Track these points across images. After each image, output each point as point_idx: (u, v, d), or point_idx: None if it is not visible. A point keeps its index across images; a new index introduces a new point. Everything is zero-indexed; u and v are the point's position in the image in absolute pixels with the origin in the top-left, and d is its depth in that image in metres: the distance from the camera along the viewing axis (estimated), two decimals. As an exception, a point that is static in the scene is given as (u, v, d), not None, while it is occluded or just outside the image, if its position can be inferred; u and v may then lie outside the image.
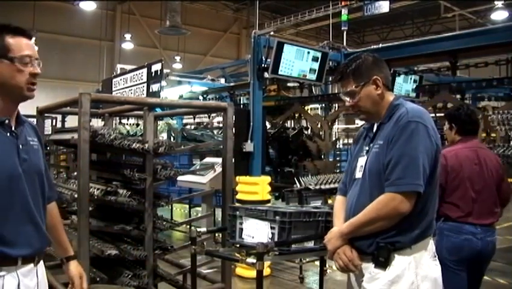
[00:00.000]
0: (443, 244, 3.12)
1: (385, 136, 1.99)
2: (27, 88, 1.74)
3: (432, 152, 1.95)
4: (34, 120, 4.49)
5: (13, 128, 1.76)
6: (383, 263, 1.93)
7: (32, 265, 1.78)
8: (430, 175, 1.95)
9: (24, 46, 1.74)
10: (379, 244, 1.94)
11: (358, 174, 2.08)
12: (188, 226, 6.46)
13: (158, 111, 5.46)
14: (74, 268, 2.02)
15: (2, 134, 1.72)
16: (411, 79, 7.48)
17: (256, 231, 2.68)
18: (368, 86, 2.07)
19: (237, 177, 5.53)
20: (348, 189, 2.17)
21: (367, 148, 2.09)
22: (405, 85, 7.41)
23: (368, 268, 1.98)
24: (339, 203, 2.23)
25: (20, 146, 1.76)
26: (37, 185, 1.81)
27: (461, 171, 3.18)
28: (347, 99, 2.13)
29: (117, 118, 9.09)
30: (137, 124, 10.63)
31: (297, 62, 5.97)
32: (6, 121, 1.74)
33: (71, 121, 7.78)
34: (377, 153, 2.00)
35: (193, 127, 11.55)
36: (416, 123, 1.94)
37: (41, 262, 1.87)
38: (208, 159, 7.36)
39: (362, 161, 2.08)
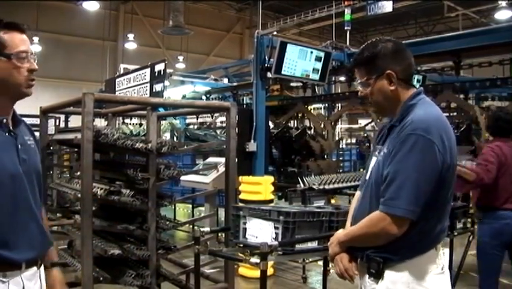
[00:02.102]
0: (484, 231, 3.60)
1: (390, 145, 1.81)
2: (26, 85, 1.70)
3: (435, 171, 1.71)
4: (35, 120, 4.53)
5: (11, 128, 1.71)
6: (375, 274, 1.84)
7: (35, 268, 1.74)
8: (434, 195, 1.74)
9: (19, 41, 1.68)
10: (369, 257, 1.85)
11: (367, 175, 1.96)
12: (191, 226, 6.47)
13: (161, 110, 5.45)
14: (58, 274, 1.96)
15: (1, 134, 1.67)
16: (414, 78, 7.45)
17: (259, 231, 2.68)
18: (381, 80, 1.85)
19: (240, 177, 5.52)
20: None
21: (378, 149, 1.94)
22: (408, 85, 7.38)
23: (366, 278, 1.91)
24: (355, 200, 2.10)
25: (19, 146, 1.71)
26: (35, 185, 1.76)
27: (506, 161, 3.61)
28: (361, 88, 1.94)
29: (120, 118, 9.10)
30: (140, 124, 10.64)
31: (300, 62, 5.96)
32: (4, 120, 1.69)
33: (75, 121, 7.80)
34: (379, 162, 1.85)
35: (196, 127, 11.55)
36: (417, 136, 1.70)
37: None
38: (211, 159, 7.35)
39: (373, 162, 1.94)
